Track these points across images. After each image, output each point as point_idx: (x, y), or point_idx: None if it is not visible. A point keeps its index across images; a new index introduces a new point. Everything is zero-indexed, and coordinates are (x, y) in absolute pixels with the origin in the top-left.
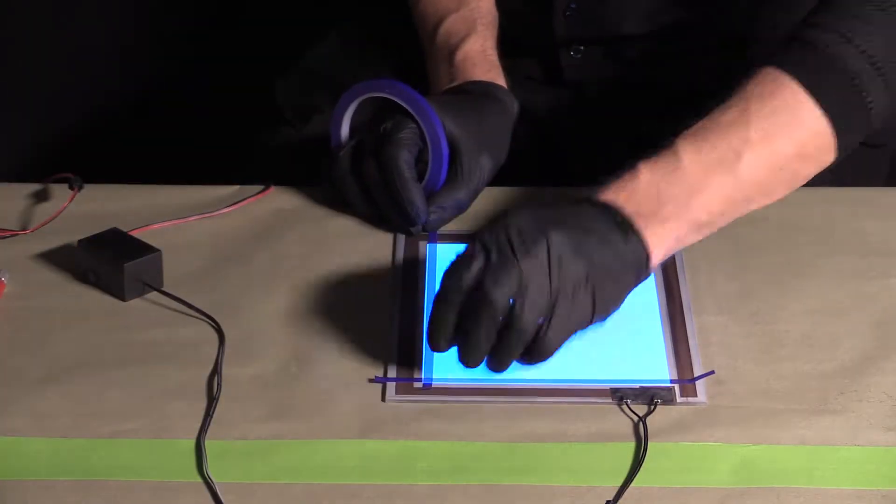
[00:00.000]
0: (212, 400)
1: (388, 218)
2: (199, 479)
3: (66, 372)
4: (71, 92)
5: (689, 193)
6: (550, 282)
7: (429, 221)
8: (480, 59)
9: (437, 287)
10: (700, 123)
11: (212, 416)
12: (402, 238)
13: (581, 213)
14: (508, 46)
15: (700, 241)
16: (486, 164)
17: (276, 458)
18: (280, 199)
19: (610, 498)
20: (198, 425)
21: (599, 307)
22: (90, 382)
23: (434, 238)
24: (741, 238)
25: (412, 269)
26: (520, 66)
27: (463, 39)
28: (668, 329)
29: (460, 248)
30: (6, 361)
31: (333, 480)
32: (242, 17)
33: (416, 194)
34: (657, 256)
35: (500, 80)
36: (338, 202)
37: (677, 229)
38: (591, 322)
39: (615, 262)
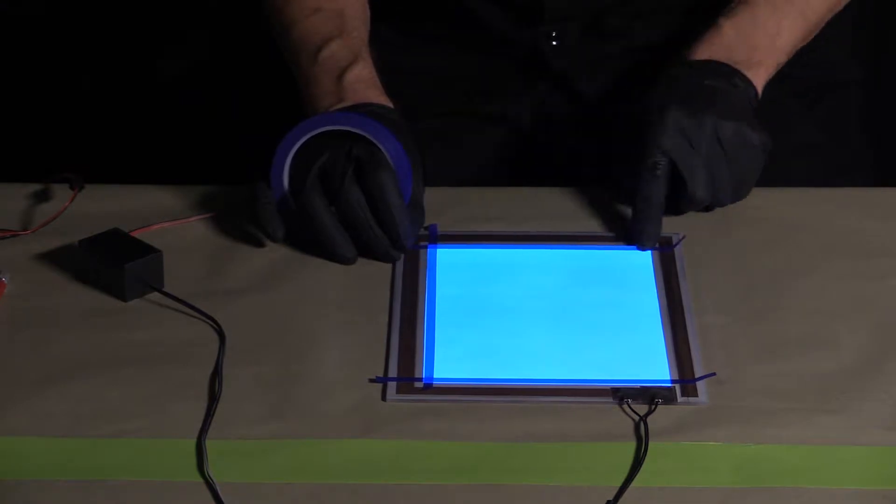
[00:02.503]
0: (212, 400)
1: (368, 249)
2: (200, 479)
3: (66, 372)
4: (71, 92)
5: (771, 38)
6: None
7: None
8: (372, 83)
9: None
10: None
11: (212, 416)
12: None
13: (704, 75)
14: (484, 56)
15: (701, 242)
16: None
17: (276, 458)
18: None
19: (610, 498)
20: (198, 425)
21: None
22: (90, 382)
23: (435, 239)
24: (741, 238)
25: (413, 268)
26: (499, 76)
27: (351, 63)
28: (668, 329)
29: (460, 250)
30: (6, 361)
31: (334, 480)
32: (242, 18)
33: (406, 217)
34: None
35: (388, 102)
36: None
37: (766, 71)
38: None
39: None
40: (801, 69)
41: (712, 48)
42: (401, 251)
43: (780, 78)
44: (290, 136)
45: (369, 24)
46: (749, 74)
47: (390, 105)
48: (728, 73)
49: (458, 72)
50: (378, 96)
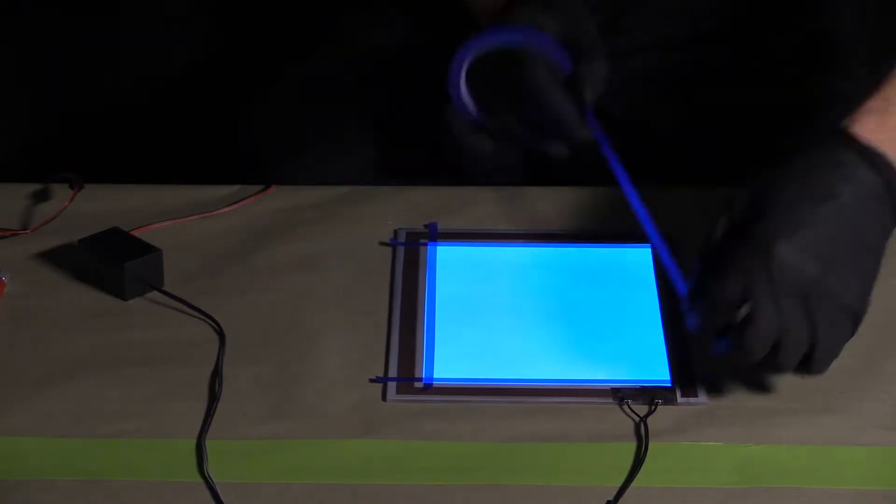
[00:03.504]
0: (212, 400)
1: (538, 143)
2: (200, 479)
3: (66, 372)
4: (71, 91)
5: None
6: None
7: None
8: None
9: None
10: None
11: (212, 416)
12: (402, 237)
13: (851, 208)
14: None
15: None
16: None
17: (276, 458)
18: (280, 199)
19: (610, 498)
20: (198, 425)
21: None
22: (90, 382)
23: (434, 238)
24: None
25: (413, 268)
26: None
27: None
28: (668, 330)
29: (460, 248)
30: (6, 361)
31: (334, 480)
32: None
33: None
34: None
35: None
36: (338, 202)
37: None
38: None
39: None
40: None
41: (876, 125)
42: (573, 130)
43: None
44: (459, 56)
45: None
46: None
47: None
48: (878, 166)
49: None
50: None
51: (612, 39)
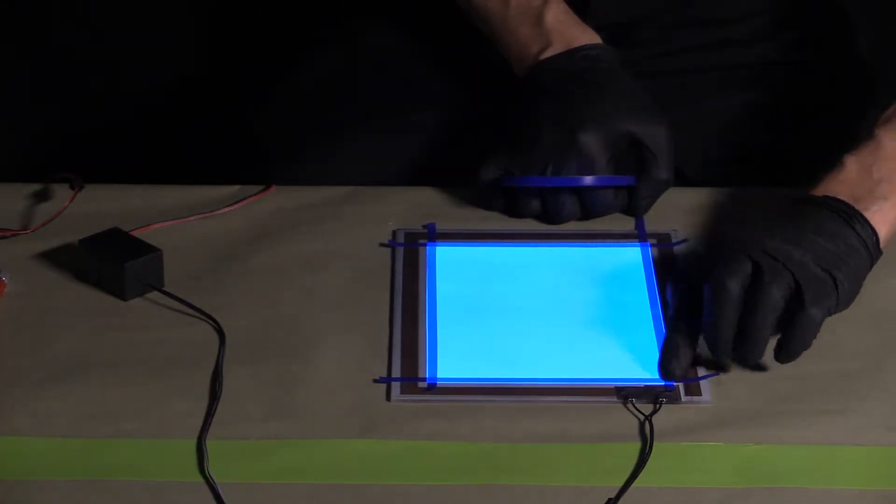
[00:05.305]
0: (212, 400)
1: None
2: (200, 479)
3: (66, 372)
4: (71, 91)
5: None
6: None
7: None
8: (573, 22)
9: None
10: (892, 110)
11: (212, 416)
12: (401, 237)
13: (809, 216)
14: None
15: (701, 241)
16: (660, 132)
17: (276, 458)
18: (280, 199)
19: (611, 496)
20: (198, 425)
21: (843, 303)
22: (90, 382)
23: (433, 238)
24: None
25: (413, 268)
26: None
27: (545, 3)
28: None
29: (459, 248)
30: (6, 361)
31: (334, 480)
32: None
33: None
34: (884, 236)
35: (595, 37)
36: (338, 202)
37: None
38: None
39: (853, 258)
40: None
41: (832, 185)
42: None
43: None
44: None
45: None
46: (871, 211)
47: (598, 39)
48: (843, 218)
49: (478, 74)
50: (583, 34)
51: (623, 51)
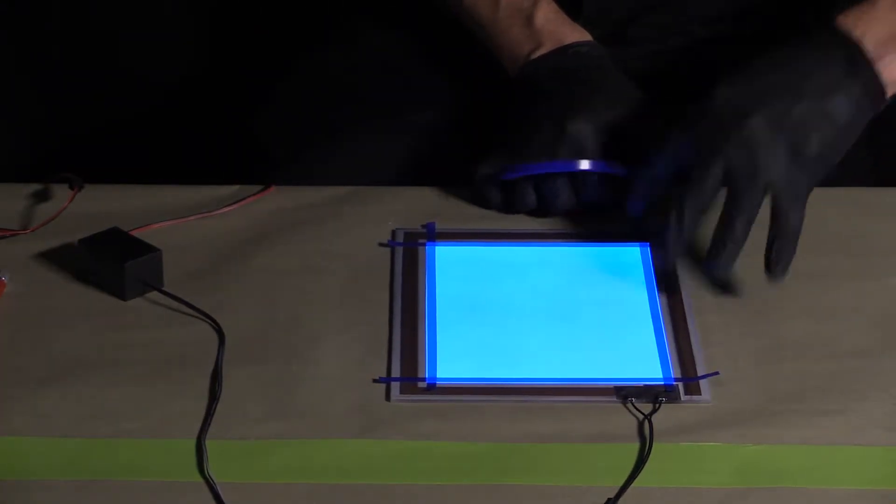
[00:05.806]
0: (212, 400)
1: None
2: (201, 479)
3: (66, 372)
4: (71, 91)
5: None
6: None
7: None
8: (563, 21)
9: None
10: None
11: (212, 416)
12: (400, 237)
13: (801, 59)
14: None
15: (700, 241)
16: (652, 128)
17: (276, 458)
18: (280, 199)
19: (611, 496)
20: (198, 425)
21: (823, 159)
22: (90, 382)
23: (433, 238)
24: None
25: (412, 268)
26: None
27: (535, 3)
28: (669, 328)
29: (459, 248)
30: (6, 361)
31: (334, 480)
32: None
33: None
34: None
35: (585, 35)
36: (338, 202)
37: None
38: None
39: (837, 109)
40: None
41: (858, 24)
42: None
43: None
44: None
45: None
46: (888, 58)
47: (588, 37)
48: (844, 66)
49: (477, 74)
50: (573, 32)
51: (617, 50)
